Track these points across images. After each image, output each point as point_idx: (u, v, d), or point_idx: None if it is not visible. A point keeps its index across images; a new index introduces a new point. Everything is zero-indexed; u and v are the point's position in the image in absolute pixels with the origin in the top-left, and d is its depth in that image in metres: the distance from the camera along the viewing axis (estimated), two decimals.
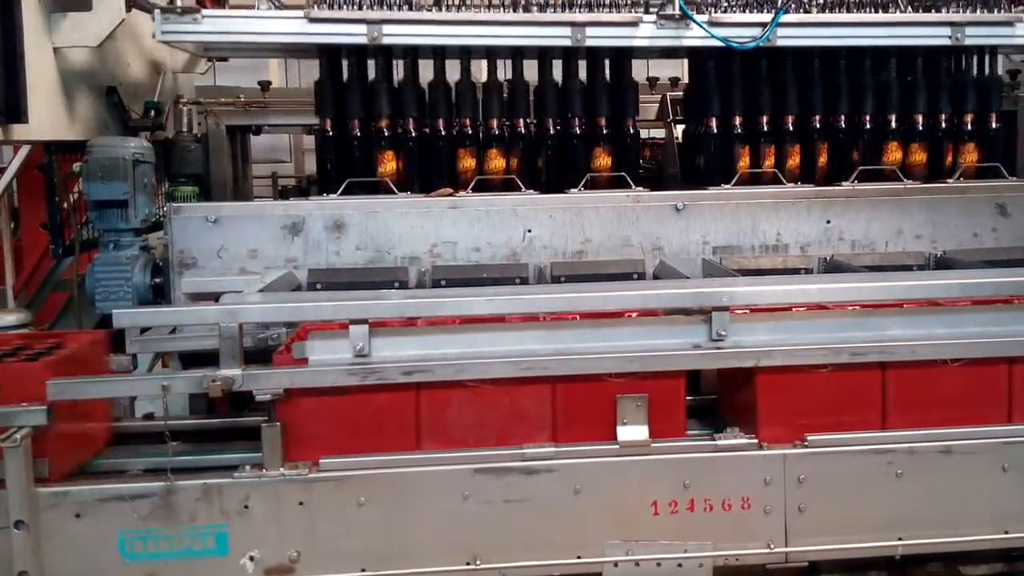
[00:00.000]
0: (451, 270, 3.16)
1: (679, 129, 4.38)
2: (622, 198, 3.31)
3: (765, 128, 3.59)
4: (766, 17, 3.28)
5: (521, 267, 3.18)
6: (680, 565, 2.50)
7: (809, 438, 2.55)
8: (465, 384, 2.48)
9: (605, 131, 3.54)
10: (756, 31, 3.28)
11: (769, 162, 3.59)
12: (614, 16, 3.27)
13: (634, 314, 2.64)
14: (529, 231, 3.25)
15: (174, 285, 3.20)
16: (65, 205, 3.68)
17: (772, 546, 2.54)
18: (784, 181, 3.55)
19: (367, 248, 3.22)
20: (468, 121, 3.49)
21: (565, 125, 3.55)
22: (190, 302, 3.12)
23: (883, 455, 2.56)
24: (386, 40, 3.17)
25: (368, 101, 3.43)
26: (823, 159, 3.63)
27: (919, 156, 3.63)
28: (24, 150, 4.00)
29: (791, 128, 3.60)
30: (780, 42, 3.31)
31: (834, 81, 3.61)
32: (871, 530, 2.57)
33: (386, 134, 3.43)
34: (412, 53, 3.49)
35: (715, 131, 3.63)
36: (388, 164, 3.44)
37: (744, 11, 3.38)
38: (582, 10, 3.29)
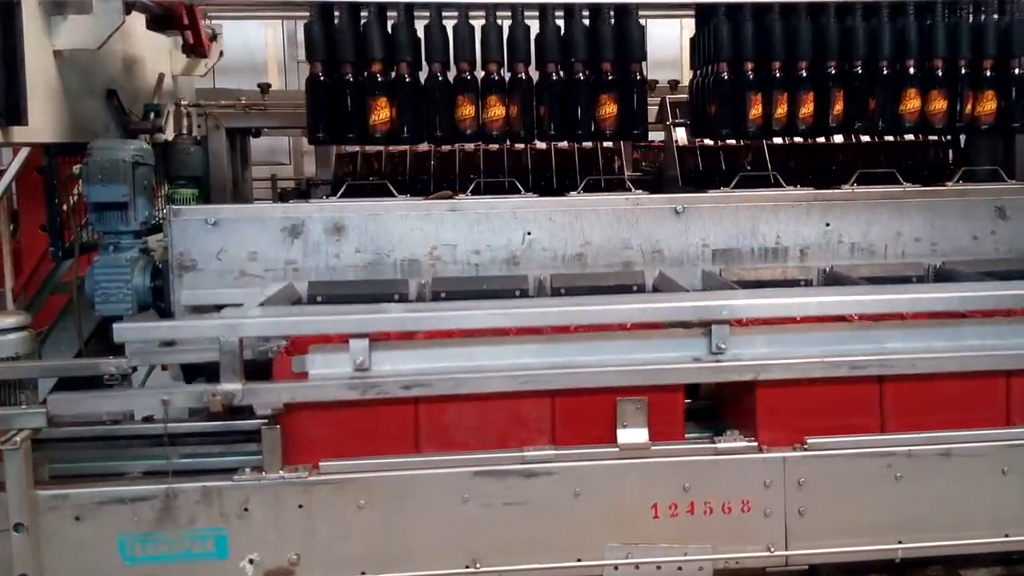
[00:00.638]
0: (451, 282, 3.13)
1: (679, 132, 4.36)
2: (621, 201, 3.30)
3: (777, 74, 3.44)
4: None
5: (521, 279, 3.13)
6: (680, 568, 2.51)
7: (809, 441, 2.55)
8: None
9: (610, 76, 3.35)
10: None
11: (782, 110, 3.44)
12: None
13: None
14: (529, 234, 3.23)
15: (174, 287, 3.19)
16: (65, 207, 3.68)
17: (772, 549, 2.54)
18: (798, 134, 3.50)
19: (367, 250, 3.21)
20: (467, 66, 3.29)
21: (568, 71, 3.36)
22: (190, 314, 3.11)
23: (883, 458, 2.56)
24: None
25: (360, 44, 3.22)
26: (839, 107, 3.48)
27: (939, 104, 3.47)
28: (23, 152, 4.00)
29: (804, 74, 3.44)
30: None
31: (850, 25, 3.46)
32: (871, 533, 2.57)
33: (379, 79, 3.22)
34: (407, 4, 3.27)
35: (726, 78, 3.45)
36: (381, 112, 3.23)
37: None
38: None
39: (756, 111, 3.46)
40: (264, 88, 4.78)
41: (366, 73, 3.24)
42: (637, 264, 3.23)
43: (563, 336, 2.56)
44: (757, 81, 3.45)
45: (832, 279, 3.31)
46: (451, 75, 3.36)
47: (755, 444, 2.55)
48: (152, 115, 3.90)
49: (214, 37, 4.29)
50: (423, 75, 3.39)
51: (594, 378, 2.51)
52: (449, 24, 3.35)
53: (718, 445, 2.55)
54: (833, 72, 3.46)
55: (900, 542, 2.58)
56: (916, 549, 2.60)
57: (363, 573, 2.44)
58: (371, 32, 3.20)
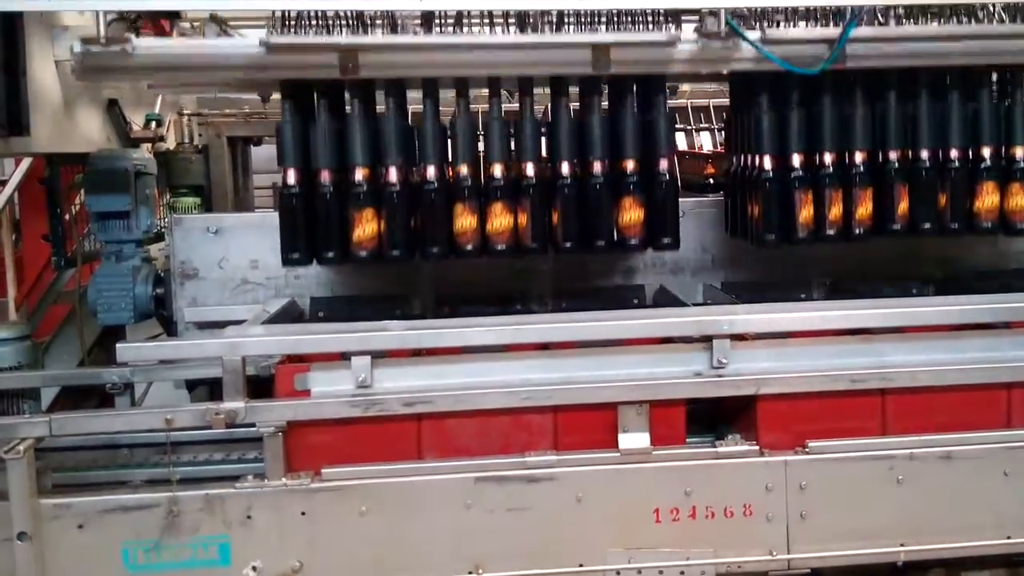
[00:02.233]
0: (453, 299, 3.11)
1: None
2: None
3: (831, 168, 2.83)
4: (833, 32, 2.58)
5: (522, 295, 3.10)
6: (682, 573, 2.50)
7: (810, 444, 2.55)
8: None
9: (635, 177, 2.77)
10: (821, 49, 2.57)
11: (836, 210, 2.85)
12: (645, 35, 2.54)
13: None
14: None
15: (176, 296, 3.21)
16: (67, 217, 3.69)
17: (774, 553, 2.53)
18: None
19: None
20: (467, 167, 2.71)
21: (584, 169, 2.78)
22: (192, 325, 3.13)
23: (884, 461, 2.56)
24: (364, 72, 2.45)
25: (340, 146, 2.65)
26: (903, 205, 2.88)
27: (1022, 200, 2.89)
28: (26, 162, 4.02)
29: (862, 168, 2.84)
30: (851, 63, 2.61)
31: (915, 109, 2.86)
32: (873, 536, 2.57)
33: (364, 188, 2.65)
34: (395, 85, 2.71)
35: (770, 174, 2.85)
36: (367, 226, 2.68)
37: (805, 23, 2.68)
38: (605, 27, 2.57)
39: (807, 212, 2.85)
40: (265, 97, 4.79)
41: (348, 180, 2.68)
42: None
43: (565, 351, 2.56)
44: (807, 177, 2.84)
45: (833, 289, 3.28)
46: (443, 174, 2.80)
47: (756, 448, 2.55)
48: (153, 124, 3.92)
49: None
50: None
51: (595, 394, 2.51)
52: (445, 117, 2.82)
53: (719, 449, 2.55)
54: (896, 165, 2.86)
55: (902, 545, 2.57)
56: (918, 552, 2.59)
57: None
58: (354, 130, 2.63)
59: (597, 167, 2.72)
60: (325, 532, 2.42)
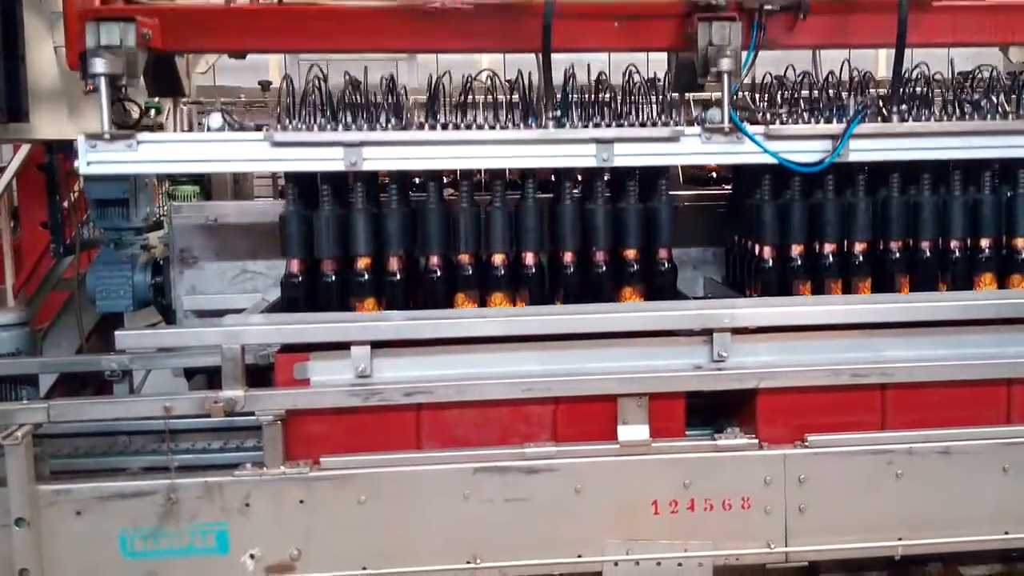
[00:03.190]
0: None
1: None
2: None
3: (831, 258, 2.78)
4: (836, 128, 2.59)
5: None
6: (680, 564, 2.51)
7: (809, 438, 2.56)
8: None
9: (635, 266, 2.73)
10: (824, 144, 2.58)
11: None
12: (650, 131, 2.55)
13: None
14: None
15: (175, 284, 3.20)
16: (65, 204, 3.68)
17: (772, 546, 2.54)
18: None
19: None
20: (468, 257, 2.67)
21: (585, 257, 2.74)
22: (192, 319, 3.12)
23: (883, 455, 2.56)
24: (367, 166, 2.48)
25: (342, 235, 2.62)
26: (904, 295, 2.83)
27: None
28: (24, 149, 4.00)
29: (862, 258, 2.79)
30: (853, 156, 2.60)
31: (915, 200, 2.80)
32: (871, 530, 2.57)
33: (365, 277, 2.63)
34: (399, 177, 2.67)
35: (769, 264, 2.80)
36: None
37: (808, 118, 2.69)
38: (609, 122, 2.58)
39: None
40: (265, 85, 4.78)
41: (351, 269, 2.66)
42: None
43: (565, 343, 2.55)
44: (807, 266, 2.79)
45: None
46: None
47: (756, 441, 2.55)
48: (152, 112, 3.90)
49: None
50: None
51: (596, 386, 2.51)
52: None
53: (719, 442, 2.55)
54: (897, 254, 2.80)
55: (900, 539, 2.58)
56: (916, 546, 2.60)
57: (364, 568, 2.44)
58: (356, 221, 2.61)
59: (599, 256, 2.72)
60: (323, 521, 2.42)
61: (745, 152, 2.56)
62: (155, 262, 3.30)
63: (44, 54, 3.12)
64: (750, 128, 2.55)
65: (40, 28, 3.09)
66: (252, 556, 2.40)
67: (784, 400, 2.58)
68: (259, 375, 2.58)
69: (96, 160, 2.45)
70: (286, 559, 2.42)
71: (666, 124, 2.59)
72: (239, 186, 4.74)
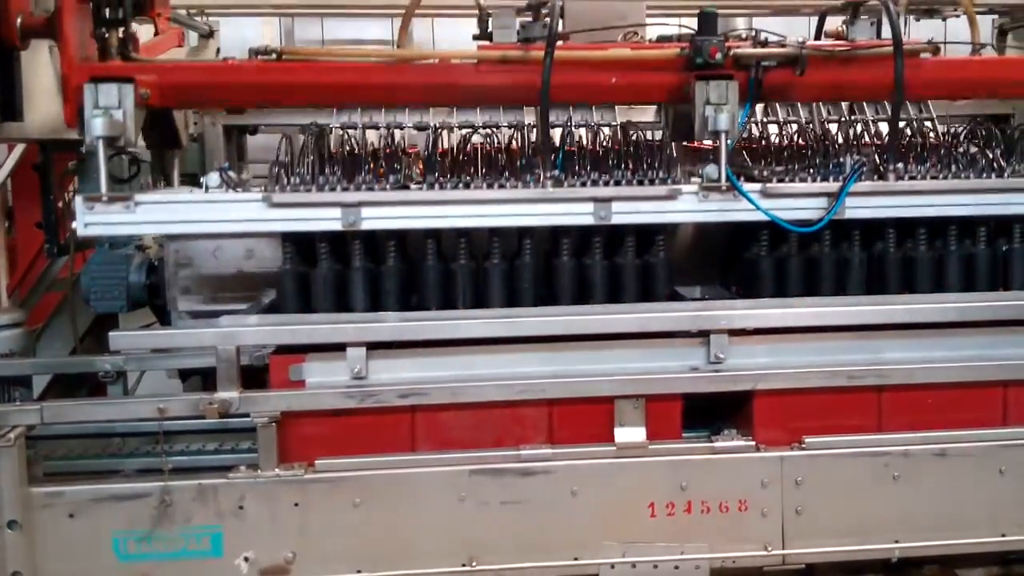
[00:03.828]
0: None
1: None
2: None
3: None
4: (832, 186, 2.59)
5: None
6: (677, 567, 2.50)
7: (806, 440, 2.55)
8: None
9: None
10: (821, 202, 2.59)
11: None
12: (647, 190, 2.57)
13: None
14: None
15: (170, 285, 3.18)
16: (60, 204, 3.66)
17: (769, 548, 2.53)
18: None
19: None
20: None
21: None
22: (187, 319, 3.10)
23: (880, 458, 2.56)
24: (366, 225, 2.49)
25: (341, 294, 2.61)
26: None
27: None
28: (19, 148, 3.98)
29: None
30: (849, 214, 2.61)
31: (912, 255, 2.77)
32: (868, 532, 2.57)
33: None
34: (396, 236, 2.65)
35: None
36: None
37: (806, 174, 2.66)
38: (607, 180, 2.59)
39: None
40: None
41: None
42: None
43: (561, 345, 2.55)
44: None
45: None
46: None
47: (752, 443, 2.55)
48: None
49: (211, 34, 4.27)
50: None
51: (592, 388, 2.50)
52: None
53: (715, 444, 2.54)
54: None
55: (897, 541, 2.58)
56: (913, 549, 2.59)
57: (359, 572, 2.43)
58: (355, 279, 2.60)
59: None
60: (318, 523, 2.41)
61: (742, 210, 2.57)
62: (150, 263, 3.28)
63: (39, 53, 3.10)
64: (746, 186, 2.55)
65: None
66: (246, 559, 2.39)
67: (781, 402, 2.57)
68: (254, 376, 2.57)
69: (94, 222, 2.44)
70: (280, 562, 2.41)
71: (663, 181, 2.58)
72: None
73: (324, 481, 2.41)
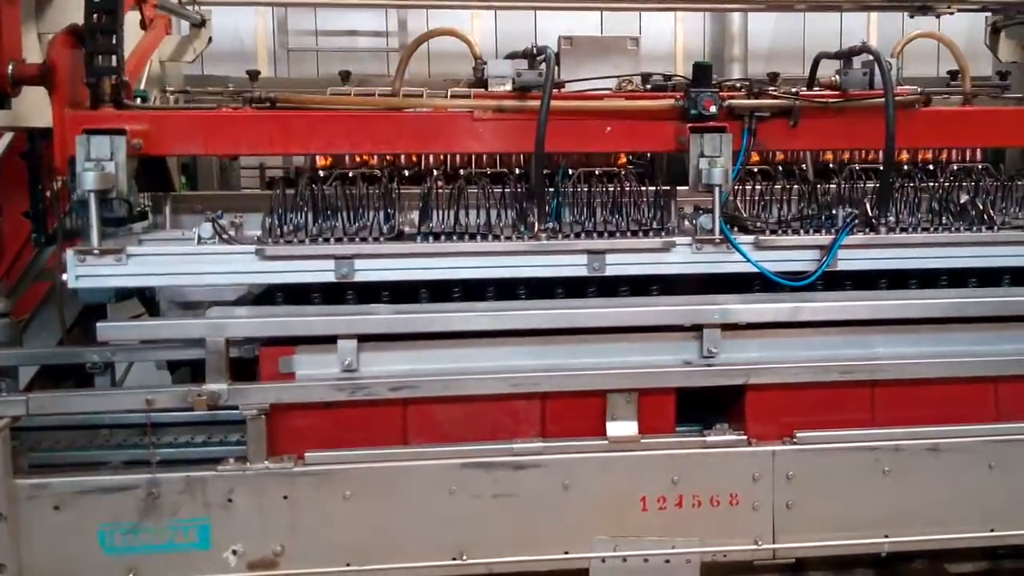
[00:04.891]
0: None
1: None
2: None
3: None
4: (825, 239, 2.62)
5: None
6: (668, 561, 2.50)
7: (798, 435, 2.55)
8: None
9: None
10: (814, 254, 2.62)
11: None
12: (641, 241, 2.58)
13: None
14: None
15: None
16: (48, 193, 3.62)
17: (760, 543, 2.54)
18: None
19: None
20: None
21: None
22: (176, 310, 3.07)
23: (871, 452, 2.56)
24: (359, 277, 2.49)
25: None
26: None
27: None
28: (7, 137, 3.93)
29: None
30: (841, 266, 2.64)
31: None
32: (858, 527, 2.58)
33: None
34: (391, 287, 2.65)
35: None
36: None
37: (799, 227, 2.66)
38: (601, 231, 2.60)
39: None
40: (253, 75, 4.72)
41: None
42: None
43: (554, 338, 2.54)
44: None
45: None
46: None
47: (744, 438, 2.55)
48: (139, 101, 3.84)
49: (203, 23, 4.24)
50: None
51: (584, 381, 2.50)
52: None
53: (707, 438, 2.54)
54: None
55: (887, 536, 2.59)
56: (902, 543, 2.60)
57: (348, 565, 2.42)
58: None
59: None
60: (307, 516, 2.40)
61: (735, 262, 2.59)
62: None
63: (27, 41, 3.06)
64: (739, 238, 2.57)
65: (24, 14, 3.03)
66: (235, 552, 2.37)
67: (773, 397, 2.57)
68: (244, 369, 2.55)
69: (85, 275, 2.42)
70: (269, 555, 2.39)
71: (658, 232, 2.59)
72: (225, 174, 4.69)
73: (314, 474, 2.40)
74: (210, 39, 4.32)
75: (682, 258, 2.58)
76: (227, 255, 2.48)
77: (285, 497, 2.39)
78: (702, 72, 2.60)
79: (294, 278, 2.50)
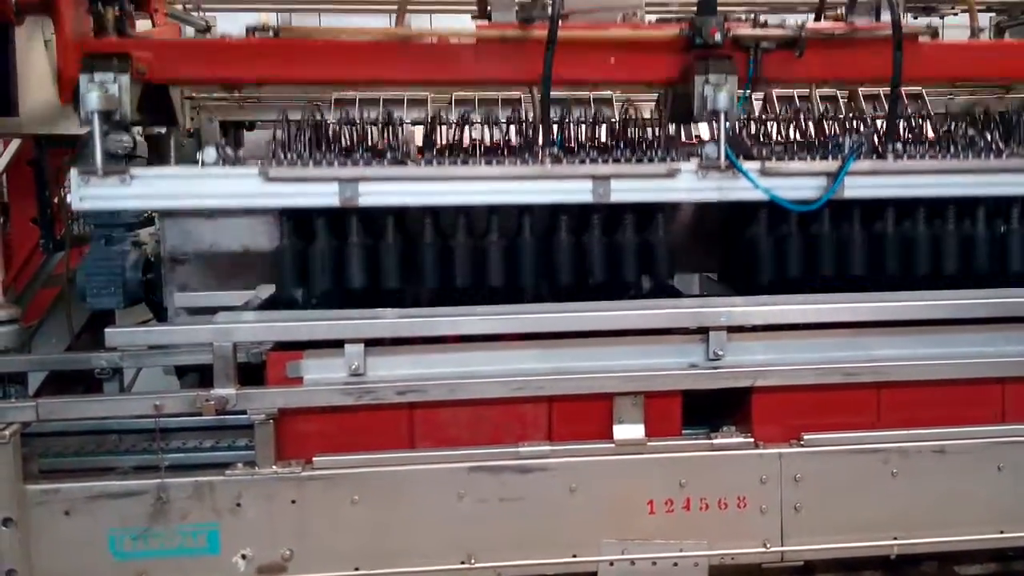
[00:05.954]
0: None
1: None
2: None
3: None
4: (832, 165, 2.58)
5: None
6: (675, 564, 2.50)
7: (805, 437, 2.55)
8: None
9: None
10: (820, 181, 2.57)
11: None
12: (646, 167, 2.55)
13: None
14: None
15: (166, 281, 3.16)
16: (56, 200, 3.64)
17: (768, 545, 2.53)
18: None
19: None
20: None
21: (580, 292, 2.72)
22: (184, 316, 3.08)
23: (878, 454, 2.55)
24: (363, 201, 2.47)
25: (340, 272, 2.61)
26: None
27: None
28: (14, 144, 3.96)
29: None
30: (848, 193, 2.60)
31: (911, 236, 2.77)
32: (866, 529, 2.57)
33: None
34: (395, 213, 2.65)
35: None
36: None
37: (805, 154, 2.67)
38: (606, 158, 2.57)
39: None
40: None
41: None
42: None
43: (560, 342, 2.54)
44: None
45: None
46: None
47: (751, 440, 2.54)
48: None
49: (208, 29, 4.26)
50: None
51: (590, 384, 2.50)
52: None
53: (714, 441, 2.54)
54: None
55: (895, 538, 2.58)
56: (911, 545, 2.59)
57: (357, 569, 2.42)
58: (352, 255, 2.61)
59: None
60: (316, 521, 2.40)
61: (741, 189, 2.55)
62: (146, 259, 3.26)
63: (35, 47, 3.08)
64: (745, 165, 2.53)
65: (31, 21, 3.05)
66: (243, 556, 2.38)
67: (780, 399, 2.57)
68: (252, 373, 2.56)
69: (89, 196, 2.41)
70: (278, 559, 2.40)
71: (663, 160, 2.57)
72: None
73: (322, 478, 2.40)
74: None
75: (688, 185, 2.54)
76: (231, 177, 2.47)
77: (293, 501, 2.39)
78: (707, 1, 2.58)
79: (297, 201, 2.47)
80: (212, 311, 2.68)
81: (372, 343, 2.46)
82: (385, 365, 2.47)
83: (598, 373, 2.51)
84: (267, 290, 2.96)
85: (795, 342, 2.60)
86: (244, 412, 2.40)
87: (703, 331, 2.54)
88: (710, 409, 2.71)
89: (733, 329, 2.55)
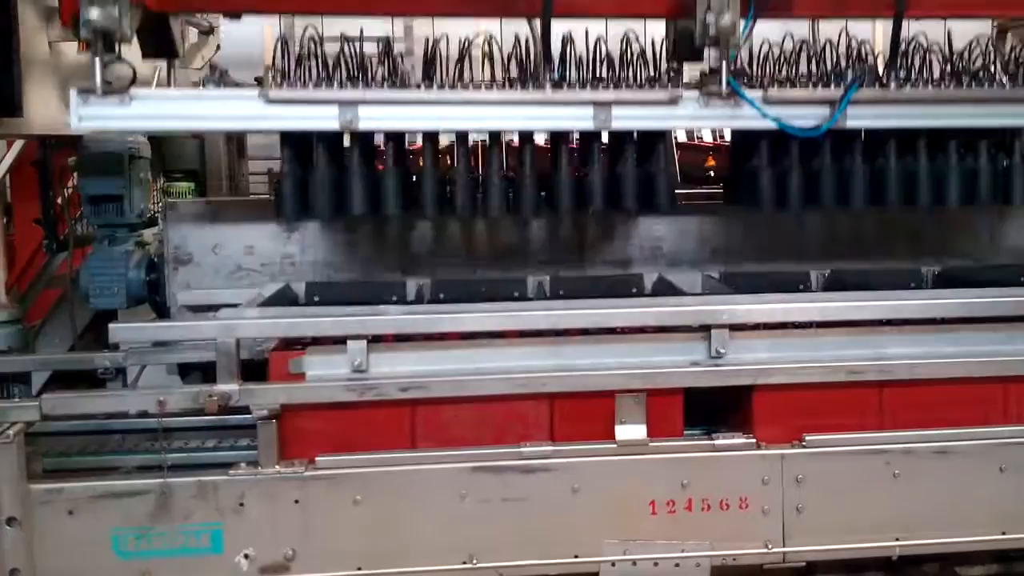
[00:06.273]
0: (450, 285, 3.08)
1: None
2: None
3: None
4: (834, 93, 2.58)
5: (520, 283, 3.07)
6: (677, 565, 2.50)
7: (807, 438, 2.55)
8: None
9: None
10: (822, 109, 2.57)
11: None
12: (648, 94, 2.53)
13: None
14: None
15: (169, 281, 3.17)
16: (59, 200, 3.66)
17: (770, 546, 2.53)
18: None
19: None
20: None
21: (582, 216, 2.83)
22: (186, 310, 3.09)
23: (881, 455, 2.55)
24: (363, 125, 2.46)
25: (342, 196, 2.69)
26: None
27: None
28: (18, 144, 3.97)
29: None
30: (851, 123, 2.60)
31: (913, 168, 2.84)
32: (868, 530, 2.56)
33: None
34: (396, 138, 2.72)
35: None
36: None
37: (807, 84, 2.67)
38: (608, 86, 2.57)
39: None
40: (261, 82, 4.74)
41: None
42: None
43: (562, 339, 2.54)
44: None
45: (833, 282, 3.26)
46: None
47: (753, 441, 2.54)
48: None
49: (211, 31, 4.27)
50: None
51: (593, 381, 2.50)
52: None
53: (716, 442, 2.54)
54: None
55: (897, 539, 2.57)
56: (913, 546, 2.59)
57: (359, 569, 2.43)
58: (353, 181, 2.68)
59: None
60: (319, 520, 2.40)
61: (743, 117, 2.53)
62: (149, 259, 3.28)
63: (38, 48, 3.10)
64: (748, 92, 2.51)
65: (34, 22, 3.07)
66: (246, 556, 2.38)
67: (782, 400, 2.56)
68: (254, 370, 2.56)
69: (88, 115, 2.37)
70: (280, 559, 2.40)
71: (664, 87, 2.55)
72: (234, 182, 4.72)
73: (324, 478, 2.41)
74: (218, 46, 4.35)
75: (690, 112, 2.51)
76: (231, 99, 2.47)
77: (296, 501, 2.39)
78: None
79: (297, 125, 2.47)
80: (215, 309, 2.70)
81: (375, 340, 2.47)
82: (388, 361, 2.47)
83: (600, 370, 2.51)
84: (270, 289, 2.98)
85: (798, 340, 2.60)
86: (247, 410, 2.40)
87: (705, 329, 2.54)
88: (711, 411, 2.71)
89: (735, 327, 2.55)
